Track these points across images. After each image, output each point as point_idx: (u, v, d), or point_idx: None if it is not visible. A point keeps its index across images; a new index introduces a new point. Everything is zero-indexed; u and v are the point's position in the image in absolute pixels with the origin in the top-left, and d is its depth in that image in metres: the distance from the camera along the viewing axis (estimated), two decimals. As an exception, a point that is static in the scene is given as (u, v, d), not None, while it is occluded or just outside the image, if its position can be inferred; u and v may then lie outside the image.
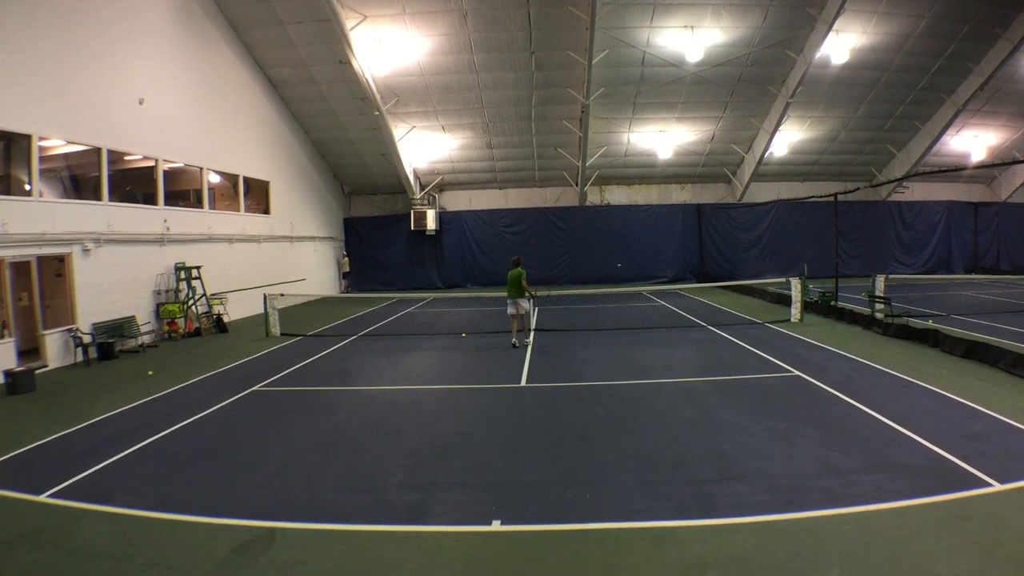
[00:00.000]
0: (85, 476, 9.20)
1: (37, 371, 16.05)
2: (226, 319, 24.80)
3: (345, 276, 39.94)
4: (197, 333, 23.23)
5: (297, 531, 7.24)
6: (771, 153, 36.58)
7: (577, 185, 38.96)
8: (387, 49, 27.73)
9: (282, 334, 22.20)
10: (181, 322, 22.81)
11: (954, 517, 7.00)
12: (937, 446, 9.25)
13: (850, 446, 9.50)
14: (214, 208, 26.88)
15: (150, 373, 16.42)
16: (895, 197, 41.26)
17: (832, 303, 24.03)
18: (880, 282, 22.82)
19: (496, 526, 7.27)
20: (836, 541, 6.69)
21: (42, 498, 8.42)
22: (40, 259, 17.94)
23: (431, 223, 39.12)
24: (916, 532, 6.77)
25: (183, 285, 23.29)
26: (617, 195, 41.51)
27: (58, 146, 20.09)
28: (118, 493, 8.49)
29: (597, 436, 10.38)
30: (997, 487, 7.77)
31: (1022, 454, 8.93)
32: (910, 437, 9.74)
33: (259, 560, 6.61)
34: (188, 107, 24.60)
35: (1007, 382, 13.15)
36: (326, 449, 10.18)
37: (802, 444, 9.69)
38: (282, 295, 23.99)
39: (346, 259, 40.39)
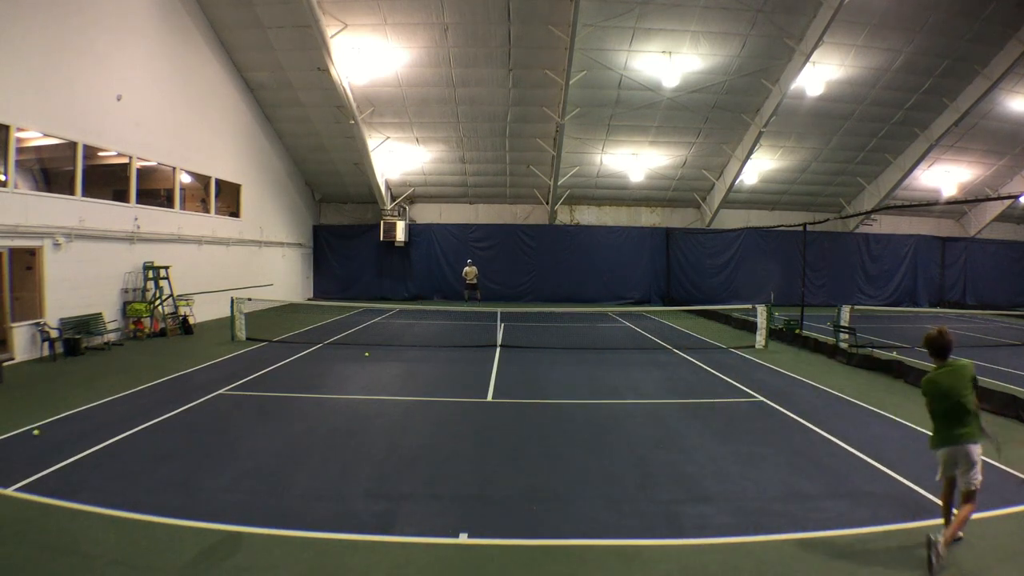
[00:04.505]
0: (53, 471, 9.06)
1: (4, 364, 15.80)
2: (192, 321, 24.52)
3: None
4: (162, 334, 23.00)
5: (263, 536, 7.16)
6: (741, 181, 36.90)
7: (548, 203, 39.05)
8: (366, 58, 27.71)
9: (248, 338, 21.96)
10: (147, 322, 22.57)
11: (919, 545, 7.04)
12: (901, 475, 9.35)
13: (814, 472, 9.59)
14: (184, 209, 26.63)
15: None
16: (863, 229, 41.80)
17: (797, 331, 24.24)
18: (845, 312, 23.08)
19: (463, 539, 7.24)
20: (801, 564, 6.74)
21: (10, 491, 8.28)
22: (12, 251, 17.72)
23: (400, 235, 39.04)
24: (881, 558, 6.84)
25: (151, 285, 23.05)
26: (587, 215, 41.71)
27: (34, 138, 19.87)
28: (85, 490, 8.37)
29: (563, 453, 10.39)
30: (960, 517, 7.85)
31: (986, 485, 8.97)
32: (873, 465, 9.84)
33: (226, 564, 6.54)
34: (165, 106, 24.38)
35: (969, 415, 13.30)
36: (292, 456, 10.09)
37: (766, 468, 9.76)
38: (249, 299, 23.70)
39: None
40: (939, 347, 7.26)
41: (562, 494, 8.66)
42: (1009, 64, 28.20)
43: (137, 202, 23.01)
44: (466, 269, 38.08)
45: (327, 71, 27.28)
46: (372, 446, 10.72)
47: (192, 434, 11.17)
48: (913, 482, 9.05)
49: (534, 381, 16.38)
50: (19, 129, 17.86)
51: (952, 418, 7.04)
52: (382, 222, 38.86)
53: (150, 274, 23.02)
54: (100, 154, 22.34)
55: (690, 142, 34.97)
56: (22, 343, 17.88)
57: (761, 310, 22.93)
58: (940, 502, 7.43)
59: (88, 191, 20.67)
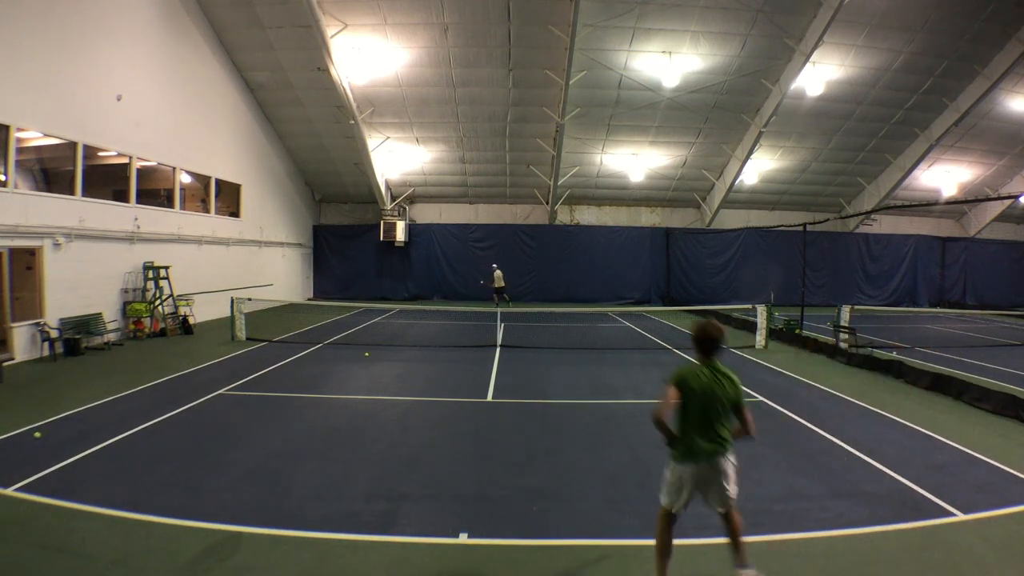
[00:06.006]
0: (53, 471, 9.08)
1: (4, 363, 15.83)
2: (192, 321, 24.53)
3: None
4: (162, 334, 23.00)
5: (263, 536, 7.17)
6: (741, 181, 36.90)
7: (548, 203, 39.05)
8: (366, 58, 27.71)
9: (248, 338, 21.97)
10: (147, 322, 22.57)
11: (918, 546, 7.06)
12: (901, 475, 9.35)
13: (814, 472, 9.58)
14: (184, 209, 26.64)
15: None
16: (863, 229, 41.80)
17: (797, 331, 24.23)
18: (845, 312, 23.09)
19: (463, 539, 7.25)
20: (801, 565, 6.76)
21: (10, 491, 8.29)
22: (12, 251, 17.74)
23: (400, 235, 39.09)
24: (880, 559, 6.84)
25: (151, 285, 23.06)
26: (587, 215, 41.71)
27: (34, 138, 19.89)
28: (85, 490, 8.39)
29: (563, 453, 10.38)
30: (961, 517, 7.87)
31: (985, 485, 9.06)
32: (873, 465, 9.83)
33: (226, 563, 6.54)
34: (165, 106, 24.38)
35: (971, 415, 13.34)
36: (292, 455, 10.09)
37: (766, 469, 9.74)
38: (249, 299, 23.70)
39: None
40: (700, 340, 6.56)
41: (562, 494, 8.65)
42: (1009, 64, 28.18)
43: (137, 202, 23.00)
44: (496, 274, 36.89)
45: (327, 71, 27.27)
46: (372, 446, 10.72)
47: (192, 434, 11.17)
48: (913, 482, 9.05)
49: (534, 381, 16.37)
50: (19, 129, 17.87)
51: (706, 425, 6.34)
52: (382, 222, 38.87)
53: (150, 274, 23.01)
54: (100, 154, 22.36)
55: (690, 142, 34.96)
56: (22, 343, 17.89)
57: (761, 310, 22.93)
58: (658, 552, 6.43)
59: (88, 191, 20.67)
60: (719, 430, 6.37)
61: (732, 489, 6.44)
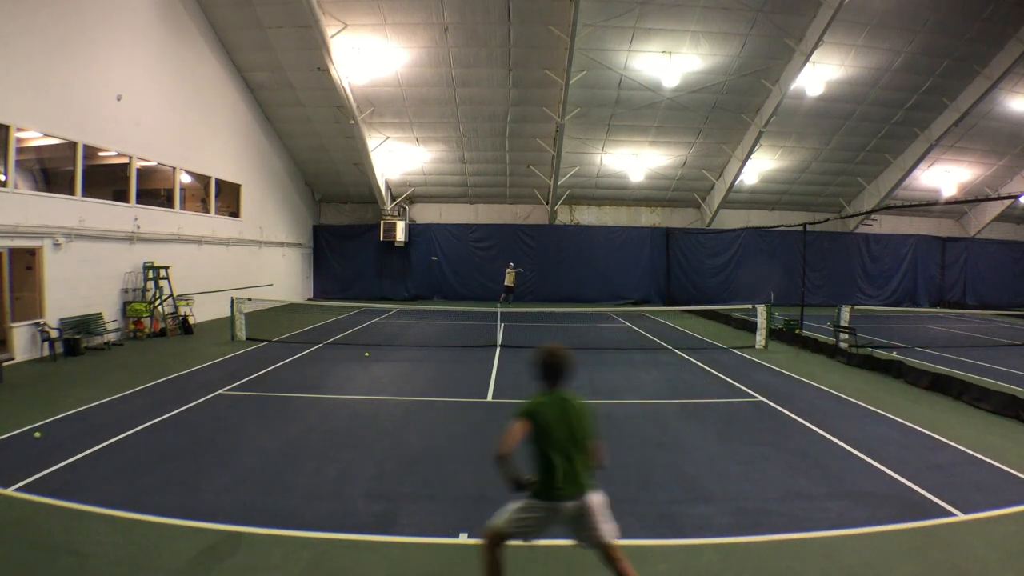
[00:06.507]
0: (53, 471, 9.06)
1: (4, 363, 15.80)
2: (192, 321, 24.51)
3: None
4: (162, 333, 22.98)
5: (263, 536, 7.17)
6: (741, 181, 36.88)
7: (548, 203, 39.04)
8: (366, 58, 27.71)
9: (248, 338, 21.95)
10: (147, 322, 22.55)
11: (918, 546, 7.05)
12: (900, 475, 9.34)
13: (814, 472, 9.57)
14: (184, 209, 26.61)
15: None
16: (862, 229, 41.78)
17: (797, 331, 24.20)
18: (845, 312, 23.06)
19: (463, 539, 7.25)
20: (801, 565, 6.73)
21: (10, 491, 8.27)
22: (12, 251, 17.72)
23: (400, 235, 39.07)
24: (880, 559, 6.82)
25: (151, 284, 23.04)
26: (587, 215, 41.69)
27: (34, 138, 19.88)
28: (85, 490, 8.37)
29: (564, 453, 10.37)
30: (961, 517, 7.87)
31: (986, 485, 9.05)
32: (873, 466, 9.82)
33: (225, 563, 6.54)
34: (165, 106, 24.36)
35: (971, 415, 13.34)
36: (292, 455, 10.08)
37: (766, 468, 9.75)
38: (249, 299, 23.67)
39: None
40: (546, 368, 5.93)
41: (562, 494, 8.63)
42: (1009, 64, 28.19)
43: (137, 202, 22.98)
44: (511, 271, 37.17)
45: (327, 71, 27.26)
46: (372, 446, 10.72)
47: (192, 434, 11.16)
48: (913, 482, 9.05)
49: (533, 382, 16.33)
50: (19, 129, 17.85)
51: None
52: (382, 222, 38.87)
53: (150, 274, 23.00)
54: (100, 154, 22.35)
55: (690, 142, 34.96)
56: (22, 343, 17.87)
57: (761, 310, 22.90)
58: None
59: (88, 191, 20.65)
60: (577, 466, 5.61)
61: (605, 527, 5.63)
